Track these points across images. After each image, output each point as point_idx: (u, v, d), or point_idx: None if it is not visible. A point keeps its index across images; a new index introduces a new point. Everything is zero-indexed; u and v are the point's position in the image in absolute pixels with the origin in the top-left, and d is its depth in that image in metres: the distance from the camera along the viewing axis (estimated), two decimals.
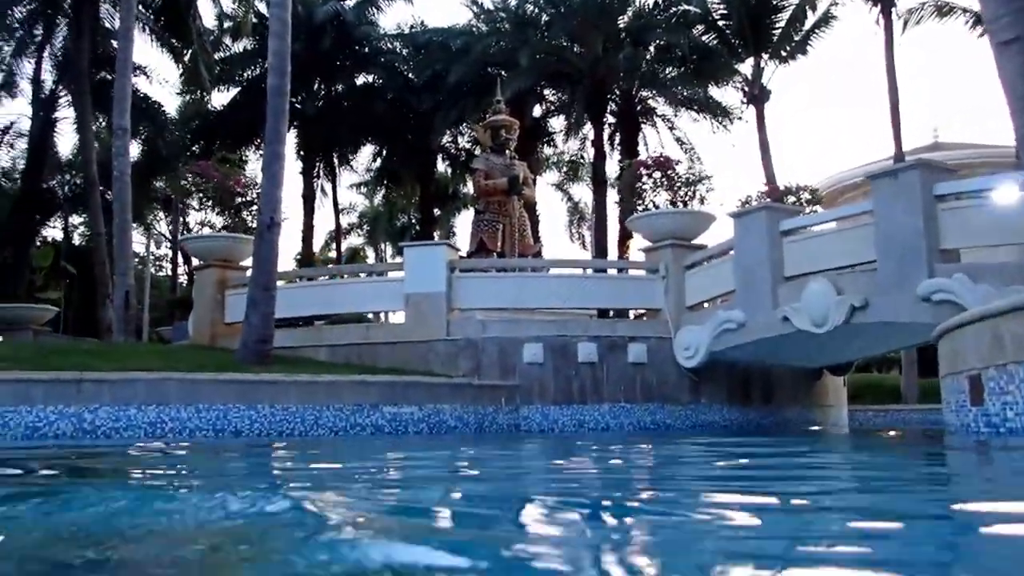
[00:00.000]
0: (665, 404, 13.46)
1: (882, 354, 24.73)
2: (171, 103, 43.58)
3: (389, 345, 13.56)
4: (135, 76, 25.88)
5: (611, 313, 17.45)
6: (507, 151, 17.55)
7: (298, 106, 29.12)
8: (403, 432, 11.36)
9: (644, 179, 14.25)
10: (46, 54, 24.25)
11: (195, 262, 17.04)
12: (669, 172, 14.24)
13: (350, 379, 11.50)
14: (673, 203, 14.12)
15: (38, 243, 30.45)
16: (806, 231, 12.24)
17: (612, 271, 16.25)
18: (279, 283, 14.55)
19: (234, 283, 14.76)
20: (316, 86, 29.53)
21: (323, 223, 62.89)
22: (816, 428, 15.09)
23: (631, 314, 19.12)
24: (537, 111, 31.59)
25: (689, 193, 14.18)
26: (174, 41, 22.30)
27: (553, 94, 31.20)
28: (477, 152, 19.73)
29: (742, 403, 14.14)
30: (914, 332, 11.12)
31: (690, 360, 13.28)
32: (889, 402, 24.90)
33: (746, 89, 27.00)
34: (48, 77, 24.75)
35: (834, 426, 15.96)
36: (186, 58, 22.38)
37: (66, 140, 41.29)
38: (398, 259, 26.66)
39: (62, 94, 25.02)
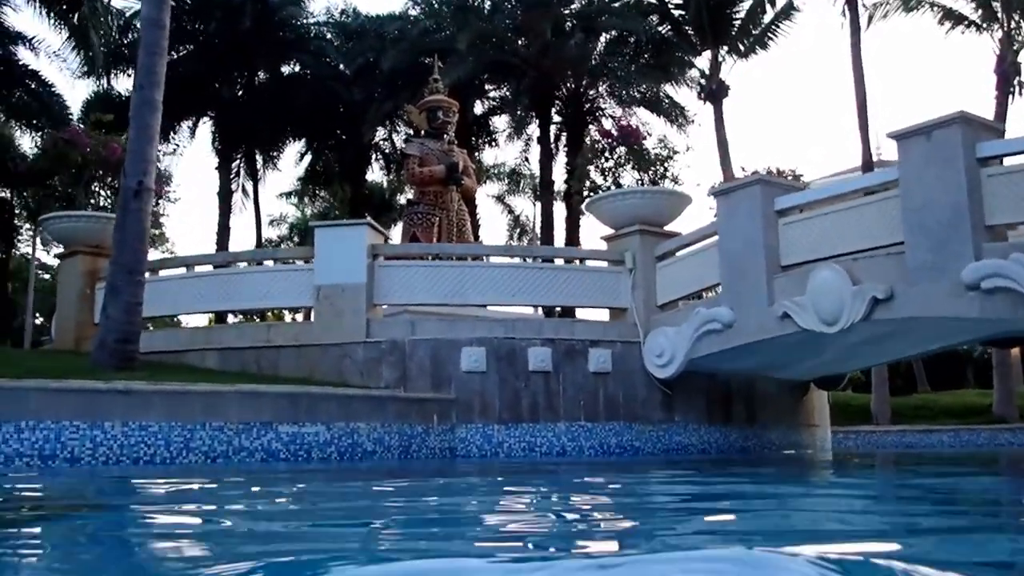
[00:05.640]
0: (633, 423, 11.08)
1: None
2: (78, 95, 39.95)
3: (295, 349, 10.92)
4: (17, 46, 22.82)
5: (557, 311, 15.05)
6: (445, 136, 15.15)
7: (213, 92, 26.33)
8: (304, 459, 8.73)
9: (605, 152, 11.92)
10: None
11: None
12: (635, 146, 11.95)
13: (236, 389, 8.83)
14: (641, 182, 11.83)
15: None
16: (809, 210, 10.03)
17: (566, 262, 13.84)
18: (163, 272, 11.88)
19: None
20: (235, 72, 26.69)
21: (247, 232, 59.20)
22: (807, 452, 12.93)
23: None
24: (479, 108, 29.30)
25: (659, 171, 11.90)
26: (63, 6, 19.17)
27: (495, 90, 28.95)
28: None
29: (722, 422, 11.86)
30: (954, 329, 9.01)
31: (664, 369, 10.95)
32: (858, 422, 23.12)
33: (703, 83, 25.11)
34: None
35: (821, 450, 13.84)
36: (74, 20, 19.26)
37: None
38: None
39: None
